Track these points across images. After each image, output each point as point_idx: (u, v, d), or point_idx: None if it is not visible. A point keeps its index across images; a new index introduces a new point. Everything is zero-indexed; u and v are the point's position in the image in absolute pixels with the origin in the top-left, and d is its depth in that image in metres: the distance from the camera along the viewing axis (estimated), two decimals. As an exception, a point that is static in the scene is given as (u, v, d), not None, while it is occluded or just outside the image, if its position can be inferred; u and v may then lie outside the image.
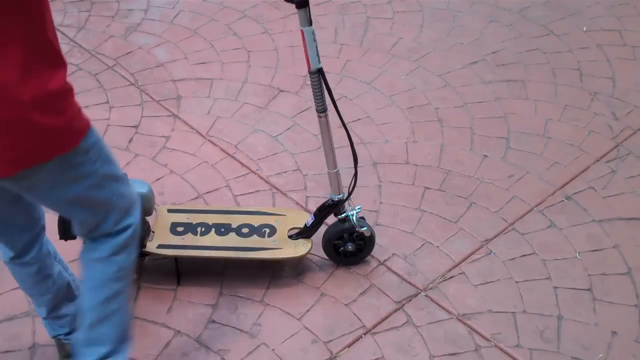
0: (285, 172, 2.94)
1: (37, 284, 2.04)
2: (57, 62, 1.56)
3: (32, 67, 1.47)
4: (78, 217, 1.83)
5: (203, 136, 3.12)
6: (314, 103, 2.21)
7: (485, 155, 3.01)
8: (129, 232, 1.88)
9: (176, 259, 2.47)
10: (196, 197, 2.82)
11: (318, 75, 2.14)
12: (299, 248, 2.43)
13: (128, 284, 1.95)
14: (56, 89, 1.54)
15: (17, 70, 1.45)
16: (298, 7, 2.02)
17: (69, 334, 2.15)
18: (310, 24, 2.05)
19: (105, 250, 1.86)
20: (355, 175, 2.34)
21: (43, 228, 1.99)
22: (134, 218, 1.89)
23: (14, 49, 1.44)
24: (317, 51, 2.10)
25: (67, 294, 2.11)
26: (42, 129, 1.53)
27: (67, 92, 1.58)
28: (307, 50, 2.09)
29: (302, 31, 2.06)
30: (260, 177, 2.92)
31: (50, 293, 2.06)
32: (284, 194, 2.84)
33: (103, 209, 1.81)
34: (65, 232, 2.24)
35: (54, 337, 2.17)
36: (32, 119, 1.50)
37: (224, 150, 3.05)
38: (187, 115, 3.23)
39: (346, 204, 2.43)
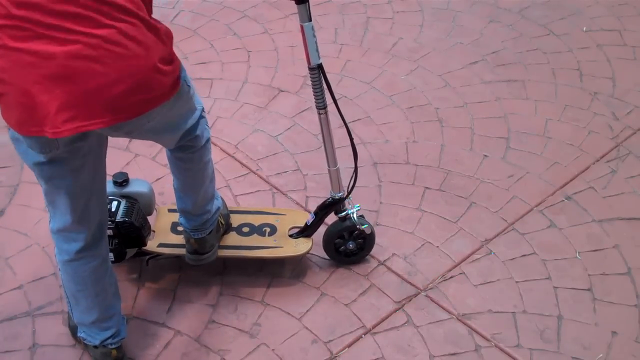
0: (285, 172, 2.94)
1: (96, 281, 2.06)
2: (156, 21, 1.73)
3: (151, 39, 1.67)
4: (174, 137, 2.02)
5: (203, 136, 3.12)
6: (314, 100, 2.21)
7: (485, 155, 3.01)
8: (204, 116, 2.13)
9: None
10: (196, 197, 2.82)
11: (318, 71, 2.14)
12: (300, 246, 2.43)
13: (211, 147, 2.24)
14: (168, 48, 1.77)
15: (144, 46, 1.65)
16: (298, 2, 2.03)
17: (115, 335, 2.16)
18: (310, 19, 2.05)
19: (197, 141, 2.11)
20: (356, 172, 2.34)
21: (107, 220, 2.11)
22: (199, 99, 2.10)
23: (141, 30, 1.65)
24: (317, 47, 2.10)
25: (115, 290, 2.15)
26: (163, 77, 1.72)
27: (172, 41, 1.80)
28: (307, 46, 2.09)
29: (301, 27, 2.06)
30: (260, 177, 2.92)
31: (104, 291, 2.09)
32: (284, 194, 2.84)
33: (189, 111, 2.02)
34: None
35: (100, 344, 2.15)
36: (158, 73, 1.70)
37: (224, 150, 3.05)
38: (187, 115, 3.23)
39: (346, 202, 2.43)
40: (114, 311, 2.14)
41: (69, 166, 1.81)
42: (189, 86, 1.92)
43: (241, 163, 2.99)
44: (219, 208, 2.37)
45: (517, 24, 3.79)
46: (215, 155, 3.00)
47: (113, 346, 2.16)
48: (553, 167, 2.95)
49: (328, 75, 2.17)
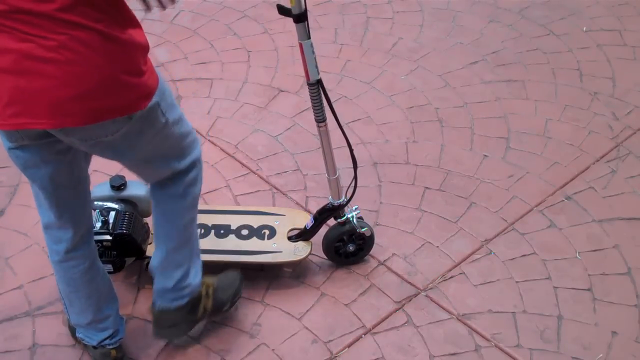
0: (285, 172, 2.94)
1: (87, 283, 2.05)
2: (134, 26, 1.67)
3: (110, 49, 1.60)
4: (149, 172, 1.95)
5: (203, 136, 3.12)
6: (313, 113, 2.21)
7: (485, 155, 3.01)
8: (197, 166, 2.01)
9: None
10: (196, 197, 2.82)
11: (317, 87, 2.15)
12: (299, 251, 2.43)
13: (197, 208, 2.10)
14: (136, 60, 1.66)
15: (102, 55, 1.59)
16: (296, 21, 2.01)
17: (113, 336, 2.15)
18: (309, 37, 2.05)
19: (178, 188, 1.99)
20: (355, 179, 2.34)
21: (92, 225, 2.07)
22: (197, 151, 2.01)
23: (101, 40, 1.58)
24: (316, 63, 2.10)
25: (110, 291, 2.14)
26: (123, 88, 1.64)
27: (144, 54, 1.70)
28: (307, 63, 2.09)
29: (300, 44, 2.06)
30: (260, 177, 2.92)
31: (97, 292, 2.08)
32: (284, 194, 2.84)
33: (171, 155, 1.92)
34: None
35: (98, 345, 2.16)
36: (117, 83, 1.63)
37: (224, 150, 3.05)
38: (187, 116, 3.17)
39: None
40: (110, 312, 2.14)
41: (41, 157, 1.78)
42: (165, 117, 1.80)
43: (241, 163, 2.99)
44: (189, 285, 2.12)
45: (517, 24, 3.79)
46: (215, 155, 3.02)
47: (111, 346, 2.16)
48: (553, 167, 2.95)
49: (328, 75, 2.17)
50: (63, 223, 1.94)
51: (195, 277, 2.15)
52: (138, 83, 1.67)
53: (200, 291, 2.18)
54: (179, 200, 2.01)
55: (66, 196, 1.89)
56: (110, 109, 1.64)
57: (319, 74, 2.12)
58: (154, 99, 1.73)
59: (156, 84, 1.74)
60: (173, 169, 1.95)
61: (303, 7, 1.97)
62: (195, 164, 2.01)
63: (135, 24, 1.68)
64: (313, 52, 2.07)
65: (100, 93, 1.61)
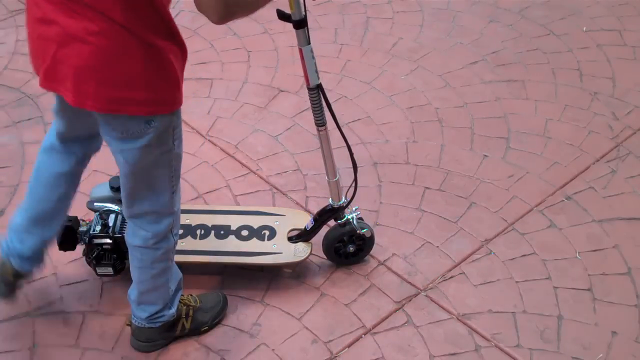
0: (285, 172, 2.94)
1: (48, 187, 2.08)
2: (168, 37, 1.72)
3: (142, 51, 1.66)
4: (136, 190, 1.94)
5: (203, 136, 3.12)
6: (313, 118, 2.21)
7: (485, 155, 3.01)
8: (169, 219, 2.01)
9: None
10: (196, 197, 2.82)
11: (317, 91, 2.15)
12: (299, 252, 2.43)
13: (172, 258, 2.13)
14: (174, 66, 1.73)
15: (136, 49, 1.66)
16: (296, 27, 2.01)
17: (24, 257, 2.14)
18: (309, 42, 2.05)
19: (149, 239, 2.02)
20: (356, 183, 2.34)
21: (97, 149, 2.13)
22: (177, 207, 2.03)
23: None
24: (316, 68, 2.10)
25: (57, 216, 2.15)
26: (152, 85, 1.71)
27: (182, 68, 1.77)
28: (307, 68, 2.09)
29: (300, 50, 2.06)
30: (260, 177, 2.92)
31: (48, 204, 2.10)
32: (284, 194, 2.84)
33: (159, 188, 1.93)
34: (63, 243, 2.32)
35: (5, 255, 2.15)
36: (142, 78, 1.70)
37: (224, 150, 3.05)
38: (187, 115, 3.21)
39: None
40: (40, 234, 2.13)
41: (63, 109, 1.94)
42: (174, 144, 1.86)
43: (241, 163, 2.99)
44: (163, 316, 2.19)
45: (517, 24, 3.79)
46: (215, 155, 3.02)
47: (15, 265, 2.15)
48: (553, 167, 2.95)
49: (328, 75, 2.17)
50: (68, 134, 2.04)
51: (171, 309, 2.20)
52: (166, 88, 1.73)
53: (179, 313, 2.25)
54: (150, 251, 2.05)
55: (80, 132, 2.03)
56: (130, 101, 1.69)
57: (319, 78, 2.13)
58: (175, 118, 1.80)
59: (180, 104, 1.80)
60: (153, 204, 1.96)
61: (303, 13, 1.98)
62: (172, 219, 2.03)
63: (177, 41, 1.73)
64: (313, 58, 2.08)
65: (125, 84, 1.67)
